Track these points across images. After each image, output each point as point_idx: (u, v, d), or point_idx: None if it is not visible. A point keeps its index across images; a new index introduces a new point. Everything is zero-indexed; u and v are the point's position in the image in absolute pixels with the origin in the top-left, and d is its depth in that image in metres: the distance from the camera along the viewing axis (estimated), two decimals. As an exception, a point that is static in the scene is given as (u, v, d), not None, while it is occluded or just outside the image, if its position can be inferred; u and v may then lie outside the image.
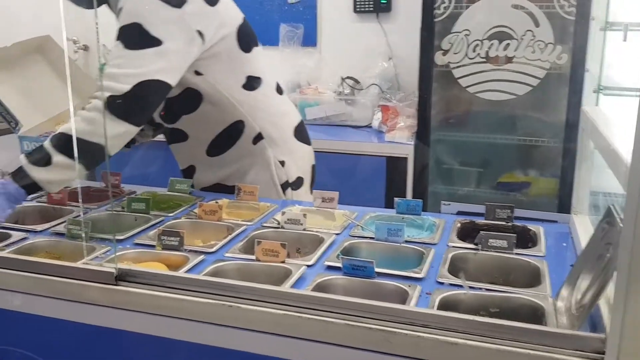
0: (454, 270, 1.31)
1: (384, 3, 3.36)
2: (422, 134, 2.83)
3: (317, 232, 1.53)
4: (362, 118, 3.23)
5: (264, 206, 1.74)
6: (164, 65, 1.56)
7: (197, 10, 1.63)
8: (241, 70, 1.78)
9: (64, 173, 1.52)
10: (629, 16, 1.79)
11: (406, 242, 1.46)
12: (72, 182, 1.59)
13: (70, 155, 1.47)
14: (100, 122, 1.47)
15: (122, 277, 1.19)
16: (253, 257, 1.35)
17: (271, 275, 1.29)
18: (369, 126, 3.21)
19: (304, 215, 1.55)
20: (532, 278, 1.29)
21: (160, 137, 3.22)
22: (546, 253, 1.40)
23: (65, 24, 1.36)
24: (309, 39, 3.53)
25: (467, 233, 1.55)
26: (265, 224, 1.59)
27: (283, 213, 1.59)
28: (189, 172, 1.95)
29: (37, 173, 1.51)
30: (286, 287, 1.17)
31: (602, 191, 1.65)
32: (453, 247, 1.44)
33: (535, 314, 1.12)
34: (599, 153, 1.44)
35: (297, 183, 1.93)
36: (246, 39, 1.78)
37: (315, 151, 2.05)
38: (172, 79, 1.59)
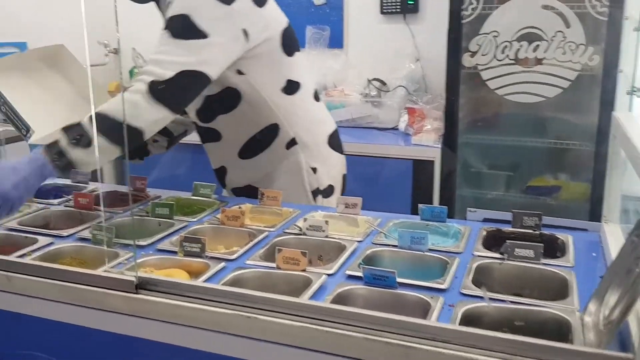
0: (478, 281, 1.28)
1: (411, 4, 3.33)
2: (449, 136, 2.80)
3: (339, 239, 1.51)
4: (388, 120, 3.21)
5: (287, 212, 1.73)
6: (208, 58, 1.57)
7: (245, 9, 1.65)
8: (282, 73, 1.79)
9: (102, 155, 1.53)
10: (665, 16, 1.73)
11: (430, 250, 1.43)
12: (107, 160, 1.60)
13: (110, 138, 1.49)
14: (142, 105, 1.50)
15: (142, 285, 1.19)
16: (274, 264, 1.34)
17: (291, 284, 1.28)
18: (395, 128, 3.18)
19: (326, 222, 1.54)
20: (560, 290, 1.25)
21: (188, 139, 3.26)
22: (575, 263, 1.35)
23: (96, 28, 1.37)
24: (336, 41, 3.52)
25: (493, 241, 1.51)
26: (287, 231, 1.58)
27: (305, 219, 1.57)
28: (221, 172, 1.94)
29: (76, 154, 1.52)
30: (304, 299, 1.15)
31: (635, 195, 1.60)
32: (478, 256, 1.40)
33: (562, 329, 1.08)
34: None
35: (328, 191, 1.92)
36: (289, 43, 1.79)
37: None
38: (214, 73, 1.59)
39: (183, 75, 1.54)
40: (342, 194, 2.01)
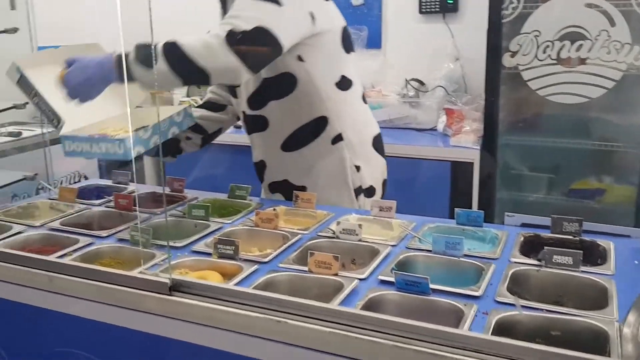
0: (514, 288, 1.25)
1: (450, 3, 3.29)
2: (488, 138, 2.75)
3: (372, 243, 1.51)
4: (426, 121, 3.17)
5: (321, 214, 1.73)
6: (280, 24, 1.59)
7: None
8: (338, 68, 1.82)
9: (162, 81, 1.55)
10: None
11: (465, 255, 1.41)
12: (170, 88, 1.60)
13: (174, 67, 1.51)
14: (215, 48, 1.51)
15: (175, 287, 1.21)
16: (306, 268, 1.34)
17: (323, 288, 1.28)
18: (433, 129, 3.15)
19: (360, 225, 1.53)
20: (599, 299, 1.22)
21: (227, 140, 3.30)
22: (615, 272, 1.31)
23: (132, 31, 1.40)
24: (374, 41, 3.50)
25: (531, 247, 1.48)
26: (320, 234, 1.58)
27: (338, 223, 1.57)
28: (260, 165, 1.95)
29: (138, 70, 1.53)
30: (335, 304, 1.15)
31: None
32: (515, 262, 1.37)
33: (599, 340, 1.05)
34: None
35: (370, 191, 1.91)
36: (348, 42, 1.84)
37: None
38: (284, 41, 1.60)
39: (259, 31, 1.55)
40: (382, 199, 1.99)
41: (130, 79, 1.53)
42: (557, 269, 1.31)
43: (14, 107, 1.96)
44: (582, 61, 2.51)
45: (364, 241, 1.51)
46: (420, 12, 3.40)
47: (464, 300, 1.20)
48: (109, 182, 2.18)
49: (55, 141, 3.13)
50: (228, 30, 1.52)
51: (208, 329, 1.15)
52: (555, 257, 1.33)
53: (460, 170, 2.81)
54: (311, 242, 1.52)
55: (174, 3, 3.45)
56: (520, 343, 0.93)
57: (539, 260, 1.35)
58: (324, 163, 1.85)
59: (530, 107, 2.70)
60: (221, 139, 3.34)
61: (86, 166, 3.49)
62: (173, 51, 1.52)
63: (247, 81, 1.81)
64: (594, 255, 1.42)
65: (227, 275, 1.36)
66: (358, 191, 1.88)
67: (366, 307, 1.18)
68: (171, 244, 1.52)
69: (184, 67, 1.51)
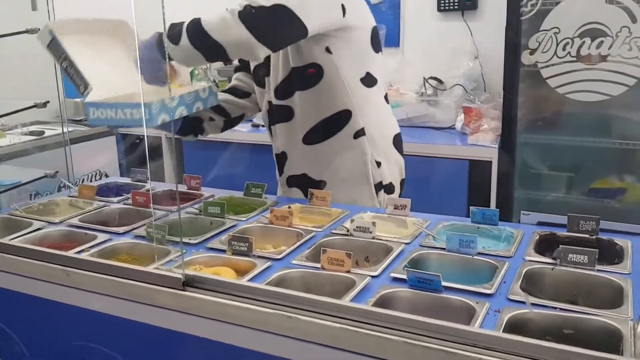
0: (528, 287, 1.24)
1: (469, 1, 3.27)
2: (507, 136, 2.73)
3: (386, 240, 1.50)
4: (445, 119, 3.16)
5: (336, 212, 1.74)
6: (304, 5, 1.58)
7: None
8: (365, 64, 1.83)
9: (186, 56, 1.59)
10: None
11: (480, 254, 1.40)
12: (197, 64, 1.66)
13: (193, 43, 1.55)
14: (229, 23, 1.52)
15: (189, 282, 1.22)
16: (319, 265, 1.35)
17: (335, 285, 1.28)
18: (452, 128, 3.13)
19: (373, 223, 1.53)
20: (614, 298, 1.20)
21: (244, 139, 3.32)
22: (632, 270, 1.30)
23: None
24: (392, 40, 3.49)
25: (547, 246, 1.47)
26: (334, 231, 1.58)
27: (352, 220, 1.57)
28: (281, 157, 1.95)
29: (170, 48, 1.58)
30: (346, 300, 1.15)
31: None
32: (529, 261, 1.36)
33: (612, 339, 1.04)
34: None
35: (389, 188, 1.92)
36: (376, 41, 1.86)
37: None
38: (309, 25, 1.60)
39: (278, 9, 1.54)
40: None
41: (170, 58, 1.61)
42: (572, 268, 1.30)
43: (35, 105, 1.99)
44: (603, 58, 2.47)
45: (377, 239, 1.51)
46: (439, 9, 3.38)
47: (476, 298, 1.19)
48: (127, 180, 2.21)
49: (76, 140, 3.20)
50: (245, 5, 1.54)
51: (220, 323, 1.16)
52: (570, 255, 1.31)
53: (478, 169, 2.80)
54: (325, 239, 1.53)
55: (189, 4, 3.48)
56: (530, 340, 0.93)
57: (554, 258, 1.34)
58: (345, 157, 1.85)
59: (549, 105, 2.67)
60: (239, 137, 3.39)
61: (107, 165, 3.55)
62: (193, 27, 1.56)
63: (277, 70, 1.84)
64: (611, 254, 1.41)
65: (240, 272, 1.37)
66: (378, 187, 1.88)
67: (378, 304, 1.18)
68: (186, 240, 1.53)
69: (202, 41, 1.54)
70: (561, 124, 2.70)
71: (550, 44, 2.55)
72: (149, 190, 1.97)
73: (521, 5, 2.56)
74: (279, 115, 1.90)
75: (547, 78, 2.60)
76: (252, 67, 1.97)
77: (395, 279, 1.29)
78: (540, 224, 1.62)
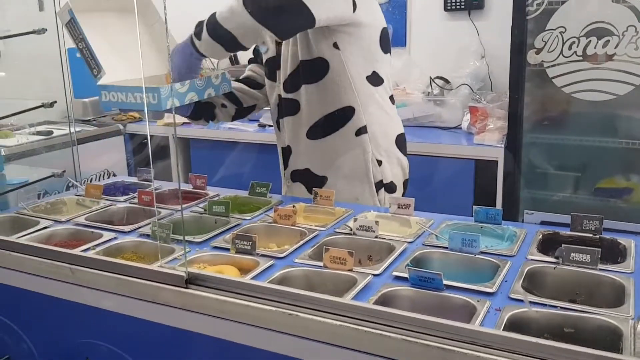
0: (530, 286, 1.25)
1: (476, 0, 3.26)
2: (513, 136, 2.72)
3: (389, 239, 1.51)
4: (451, 119, 3.15)
5: (340, 211, 1.75)
6: None
7: None
8: (372, 63, 1.85)
9: (209, 48, 1.64)
10: None
11: (482, 253, 1.40)
12: (221, 55, 1.69)
13: (211, 35, 1.61)
14: (234, 9, 1.56)
15: (192, 280, 1.23)
16: (321, 264, 1.36)
17: (337, 284, 1.29)
18: (458, 127, 3.12)
19: (376, 222, 1.54)
20: (616, 297, 1.20)
21: (255, 139, 3.33)
22: (635, 270, 1.30)
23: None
24: (398, 39, 3.49)
25: (550, 245, 1.47)
26: (337, 230, 1.59)
27: (355, 219, 1.58)
28: (287, 151, 1.97)
29: (198, 43, 1.64)
30: (346, 298, 1.16)
31: None
32: (531, 260, 1.36)
33: (612, 337, 1.04)
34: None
35: (390, 187, 1.92)
36: (386, 42, 1.88)
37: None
38: (318, 15, 1.61)
39: None
40: None
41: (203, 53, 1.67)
42: (574, 267, 1.30)
43: (42, 105, 2.01)
44: (609, 57, 2.46)
45: (380, 238, 1.52)
46: (446, 9, 3.38)
47: (478, 296, 1.19)
48: (134, 180, 2.22)
49: (84, 140, 3.22)
50: None
51: (222, 321, 1.18)
52: (572, 254, 1.31)
53: (484, 168, 2.79)
54: (328, 238, 1.53)
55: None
56: (528, 338, 0.93)
57: (556, 257, 1.34)
58: (347, 154, 1.87)
59: (555, 104, 2.66)
60: (245, 137, 3.41)
61: (115, 164, 3.57)
62: (210, 20, 1.61)
63: (286, 63, 1.86)
64: (613, 253, 1.41)
65: (243, 270, 1.38)
66: (378, 185, 1.89)
67: (379, 302, 1.19)
68: (191, 239, 1.55)
69: (217, 32, 1.59)
70: (567, 123, 2.69)
71: (556, 44, 2.54)
72: (155, 189, 1.98)
73: (527, 5, 2.55)
74: (287, 108, 1.91)
75: (553, 77, 2.60)
76: (264, 60, 1.99)
77: (397, 278, 1.29)
78: (543, 223, 1.62)
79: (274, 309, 1.12)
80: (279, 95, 1.93)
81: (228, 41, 1.61)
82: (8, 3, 3.22)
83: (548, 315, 1.12)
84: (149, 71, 1.77)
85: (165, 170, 3.51)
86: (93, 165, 3.35)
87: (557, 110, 2.68)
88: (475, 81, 3.21)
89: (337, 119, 1.84)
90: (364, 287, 1.24)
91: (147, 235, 1.61)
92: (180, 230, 1.56)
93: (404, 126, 2.03)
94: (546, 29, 2.55)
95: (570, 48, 2.52)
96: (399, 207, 1.70)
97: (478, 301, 1.17)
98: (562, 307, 1.13)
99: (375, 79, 1.86)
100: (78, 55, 1.74)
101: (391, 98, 1.96)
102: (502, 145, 2.76)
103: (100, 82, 1.67)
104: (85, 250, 1.51)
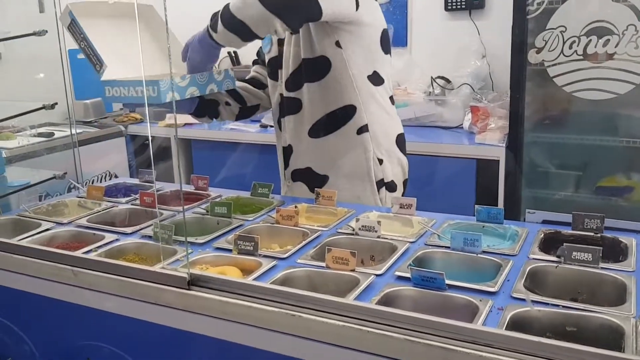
0: (532, 284, 1.25)
1: (476, 0, 3.26)
2: (514, 135, 2.72)
3: (391, 239, 1.51)
4: (452, 119, 3.16)
5: (342, 211, 1.75)
6: None
7: None
8: (373, 63, 1.86)
9: (225, 39, 1.66)
10: None
11: (484, 252, 1.40)
12: (238, 45, 1.70)
13: (226, 26, 1.62)
14: (249, 2, 1.58)
15: (194, 282, 1.23)
16: (324, 264, 1.36)
17: (339, 284, 1.29)
18: (459, 127, 3.13)
19: (378, 222, 1.54)
20: (618, 295, 1.20)
21: (257, 140, 3.33)
22: (636, 268, 1.30)
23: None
24: (399, 39, 3.50)
25: (551, 244, 1.47)
26: (340, 230, 1.59)
27: (357, 220, 1.58)
28: (288, 151, 1.97)
29: (214, 35, 1.67)
30: (348, 299, 1.16)
31: None
32: (533, 259, 1.36)
33: (615, 336, 1.04)
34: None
35: (391, 186, 1.93)
36: (386, 43, 1.90)
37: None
38: (325, 6, 1.62)
39: None
40: None
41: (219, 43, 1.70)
42: (576, 266, 1.30)
43: (43, 107, 2.01)
44: (610, 56, 2.47)
45: (382, 238, 1.52)
46: (446, 9, 3.38)
47: (480, 295, 1.19)
48: (136, 181, 2.23)
49: (85, 141, 3.22)
50: None
51: (225, 322, 1.18)
52: (574, 253, 1.31)
53: (485, 168, 2.80)
54: (330, 238, 1.53)
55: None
56: (531, 337, 0.93)
57: (558, 256, 1.34)
58: (348, 153, 1.87)
59: (556, 103, 2.66)
60: (247, 138, 3.41)
61: (117, 166, 3.58)
62: (224, 11, 1.63)
63: (288, 62, 1.87)
64: (615, 252, 1.41)
65: (246, 271, 1.39)
66: (380, 184, 1.89)
67: (382, 302, 1.19)
68: (193, 240, 1.55)
69: (231, 22, 1.61)
70: (568, 122, 2.69)
71: (557, 43, 2.54)
72: (157, 191, 1.99)
73: (527, 4, 2.56)
74: (289, 107, 1.92)
75: (553, 77, 2.60)
76: (266, 61, 1.99)
77: (400, 278, 1.29)
78: (545, 222, 1.62)
79: (276, 309, 1.12)
80: (281, 95, 1.94)
81: (242, 31, 1.62)
82: (8, 4, 3.22)
83: (550, 314, 1.12)
84: (156, 72, 1.78)
85: (166, 172, 3.51)
86: (94, 167, 3.36)
87: (558, 110, 2.69)
88: (476, 81, 3.21)
89: (339, 118, 1.85)
90: (367, 287, 1.24)
91: (149, 237, 1.61)
92: (182, 231, 1.56)
93: (406, 126, 2.04)
94: (547, 28, 2.56)
95: (570, 47, 2.52)
96: (400, 207, 1.70)
97: (480, 300, 1.17)
98: (564, 306, 1.13)
99: (376, 79, 1.87)
100: (79, 56, 1.76)
101: (391, 98, 1.97)
102: (504, 145, 2.76)
103: (103, 78, 1.69)
104: (87, 252, 1.51)
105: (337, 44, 1.79)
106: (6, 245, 1.53)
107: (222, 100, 2.00)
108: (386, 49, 1.90)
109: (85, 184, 2.13)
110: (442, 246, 1.46)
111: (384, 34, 1.88)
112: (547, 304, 1.14)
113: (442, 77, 3.31)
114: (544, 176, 2.77)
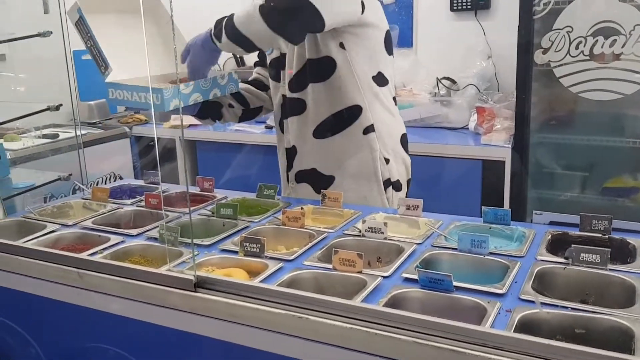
0: (539, 286, 1.24)
1: (482, 0, 3.25)
2: (520, 136, 2.71)
3: (398, 241, 1.50)
4: (458, 120, 3.15)
5: (348, 213, 1.74)
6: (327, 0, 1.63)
7: None
8: (377, 64, 1.86)
9: (230, 48, 1.70)
10: None
11: (491, 253, 1.39)
12: (243, 53, 1.77)
13: (230, 38, 1.65)
14: (251, 16, 1.60)
15: (200, 284, 1.23)
16: (330, 266, 1.35)
17: (346, 286, 1.28)
18: (465, 128, 3.12)
19: (385, 223, 1.53)
20: (627, 297, 1.19)
21: (263, 141, 3.33)
22: (645, 270, 1.29)
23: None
24: (405, 40, 3.49)
25: (559, 245, 1.46)
26: (346, 232, 1.58)
27: (364, 221, 1.57)
28: (291, 152, 1.96)
29: (218, 44, 1.69)
30: (357, 301, 1.15)
31: None
32: (541, 260, 1.36)
33: (624, 338, 1.03)
34: None
35: (397, 186, 1.93)
36: (389, 44, 1.90)
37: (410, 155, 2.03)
38: (327, 18, 1.63)
39: (298, 2, 1.59)
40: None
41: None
42: (584, 267, 1.29)
43: (48, 108, 2.01)
44: (616, 57, 2.45)
45: (389, 239, 1.51)
46: (452, 9, 3.37)
47: (488, 297, 1.19)
48: (141, 182, 2.22)
49: (90, 143, 3.22)
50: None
51: (231, 324, 1.17)
52: (582, 255, 1.30)
53: (491, 169, 2.79)
54: (337, 240, 1.53)
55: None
56: (540, 340, 0.92)
57: (566, 258, 1.33)
58: (354, 153, 1.87)
59: (563, 104, 2.65)
60: (252, 139, 3.41)
61: (121, 167, 3.58)
62: (228, 23, 1.65)
63: (291, 62, 1.87)
64: (623, 253, 1.40)
65: (252, 273, 1.38)
66: (387, 184, 1.89)
67: (389, 304, 1.18)
68: (199, 242, 1.54)
69: (235, 36, 1.63)
70: (574, 123, 2.68)
71: (563, 43, 2.53)
72: (162, 192, 1.98)
73: (534, 4, 2.55)
74: (292, 108, 1.91)
75: (560, 77, 2.59)
76: (268, 62, 1.99)
77: (407, 279, 1.29)
78: (552, 223, 1.60)
79: (283, 312, 1.11)
80: (284, 96, 1.93)
81: (246, 44, 1.65)
82: (12, 6, 3.23)
83: (559, 316, 1.11)
84: (161, 70, 1.78)
85: (171, 173, 3.51)
86: (99, 168, 3.36)
87: (564, 110, 2.68)
88: (482, 81, 3.20)
89: (345, 118, 1.85)
90: (374, 289, 1.23)
91: (155, 239, 1.61)
92: (187, 233, 1.55)
93: (411, 127, 2.05)
94: (553, 28, 2.55)
95: (577, 48, 2.51)
96: (407, 209, 1.69)
97: (488, 302, 1.16)
98: (572, 308, 1.12)
99: (380, 80, 1.87)
100: (84, 57, 1.75)
101: (394, 99, 1.97)
102: (510, 146, 2.75)
103: (107, 80, 1.69)
104: (92, 254, 1.51)
105: (341, 45, 1.79)
106: (11, 247, 1.52)
107: (225, 102, 2.00)
108: (389, 50, 1.90)
109: (90, 186, 2.13)
110: (449, 248, 1.45)
111: (387, 35, 1.88)
112: (557, 306, 1.13)
113: (448, 78, 3.30)
114: (550, 177, 2.75)
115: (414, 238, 1.53)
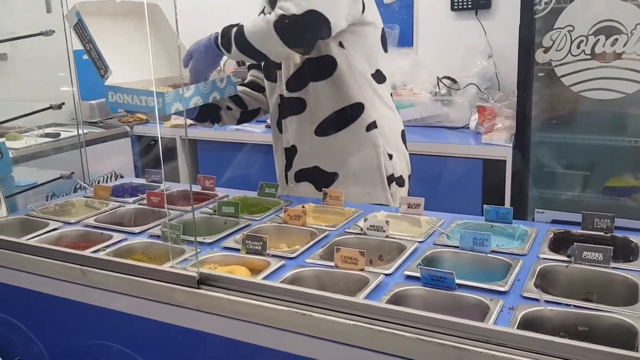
0: (542, 284, 1.24)
1: (483, 0, 3.26)
2: (521, 135, 2.71)
3: (399, 239, 1.51)
4: (459, 119, 3.15)
5: (350, 211, 1.74)
6: (333, 6, 1.66)
7: None
8: (375, 62, 1.88)
9: (240, 59, 1.76)
10: None
11: (493, 252, 1.40)
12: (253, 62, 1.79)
13: (241, 50, 1.67)
14: (265, 33, 1.61)
15: (203, 281, 1.23)
16: (332, 264, 1.35)
17: (348, 283, 1.29)
18: (466, 127, 3.12)
19: (387, 222, 1.53)
20: (630, 295, 1.20)
21: (263, 140, 3.33)
22: (647, 268, 1.29)
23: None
24: (405, 40, 3.49)
25: (561, 244, 1.46)
26: (348, 230, 1.58)
27: (366, 219, 1.57)
28: (291, 151, 1.96)
29: (227, 54, 1.72)
30: (359, 298, 1.15)
31: None
32: (543, 258, 1.36)
33: (627, 336, 1.03)
34: None
35: (400, 181, 1.94)
36: (385, 41, 1.92)
37: (409, 154, 2.03)
38: (335, 24, 1.67)
39: (311, 15, 1.61)
40: (407, 194, 2.00)
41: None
42: (586, 265, 1.29)
43: (50, 107, 2.02)
44: (618, 56, 2.46)
45: (391, 237, 1.51)
46: (452, 9, 3.37)
47: (490, 295, 1.19)
48: (142, 181, 2.22)
49: (91, 142, 3.23)
50: (279, 14, 1.60)
51: (234, 321, 1.17)
52: (585, 253, 1.31)
53: (492, 168, 2.79)
54: (339, 238, 1.53)
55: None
56: (543, 337, 0.92)
57: (568, 256, 1.33)
58: (358, 149, 1.87)
59: (564, 103, 2.65)
60: (253, 138, 3.41)
61: (122, 166, 3.58)
62: (239, 37, 1.66)
63: (288, 62, 1.87)
64: (626, 252, 1.40)
65: (254, 271, 1.38)
66: (390, 179, 1.90)
67: (391, 301, 1.18)
68: (201, 240, 1.55)
69: (248, 49, 1.66)
70: (576, 122, 2.68)
71: (565, 42, 2.53)
72: (163, 191, 1.98)
73: (535, 4, 2.55)
74: (291, 107, 1.91)
75: (561, 76, 2.59)
76: (262, 62, 2.00)
77: (409, 277, 1.29)
78: (554, 222, 1.61)
79: (286, 308, 1.12)
80: (281, 96, 1.93)
81: (259, 57, 1.71)
82: (15, 5, 3.23)
83: (562, 313, 1.11)
84: (158, 74, 1.78)
85: (172, 172, 3.52)
86: (100, 167, 3.36)
87: (565, 109, 2.68)
88: (482, 81, 3.20)
89: (347, 116, 1.85)
90: (376, 286, 1.23)
91: (157, 236, 1.61)
92: (189, 231, 1.56)
93: (412, 126, 2.06)
94: (554, 27, 2.55)
95: (578, 47, 2.51)
96: (409, 207, 1.70)
97: (491, 300, 1.17)
98: (575, 306, 1.13)
99: (379, 77, 1.88)
100: (85, 57, 1.75)
101: (391, 95, 1.99)
102: (511, 145, 2.75)
103: (107, 83, 1.68)
104: (95, 252, 1.51)
105: (340, 44, 1.80)
106: (15, 244, 1.53)
107: (223, 105, 2.00)
108: (385, 47, 1.92)
109: (92, 184, 2.13)
110: (451, 246, 1.45)
111: (383, 33, 1.91)
112: (560, 303, 1.13)
113: (449, 77, 3.31)
114: (551, 176, 2.76)
115: (415, 236, 1.53)
